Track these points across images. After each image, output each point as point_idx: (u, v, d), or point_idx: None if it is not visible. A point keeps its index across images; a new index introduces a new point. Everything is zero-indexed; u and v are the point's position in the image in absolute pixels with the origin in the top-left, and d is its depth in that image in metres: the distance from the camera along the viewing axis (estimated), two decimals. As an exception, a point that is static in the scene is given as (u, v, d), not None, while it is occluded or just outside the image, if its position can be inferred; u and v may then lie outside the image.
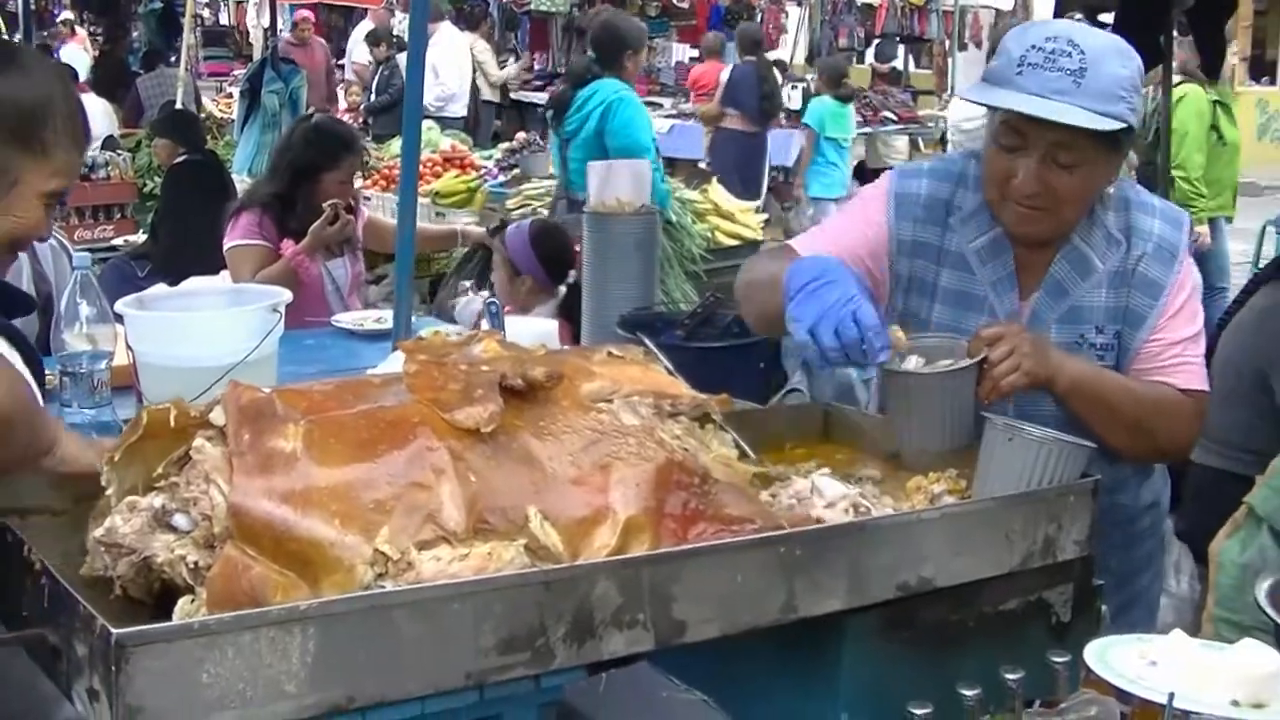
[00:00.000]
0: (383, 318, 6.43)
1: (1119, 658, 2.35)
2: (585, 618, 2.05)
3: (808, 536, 2.30)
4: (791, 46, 23.38)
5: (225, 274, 6.59)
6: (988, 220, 3.33)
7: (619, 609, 2.08)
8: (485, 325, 4.41)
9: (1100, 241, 3.31)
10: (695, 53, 22.72)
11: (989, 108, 3.23)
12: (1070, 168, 3.17)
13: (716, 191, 11.50)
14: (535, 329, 5.12)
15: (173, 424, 2.07)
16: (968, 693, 2.21)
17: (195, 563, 1.97)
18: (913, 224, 3.39)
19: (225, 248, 6.67)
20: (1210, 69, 7.62)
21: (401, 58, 18.43)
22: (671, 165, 16.30)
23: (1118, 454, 3.25)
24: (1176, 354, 3.28)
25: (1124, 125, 3.11)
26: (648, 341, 2.97)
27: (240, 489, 1.94)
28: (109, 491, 2.10)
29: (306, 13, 21.20)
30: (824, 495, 2.52)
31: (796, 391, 3.30)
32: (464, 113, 18.19)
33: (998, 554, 2.55)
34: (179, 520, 2.00)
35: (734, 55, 21.58)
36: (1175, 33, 7.15)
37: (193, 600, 1.96)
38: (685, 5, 20.46)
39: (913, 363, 2.96)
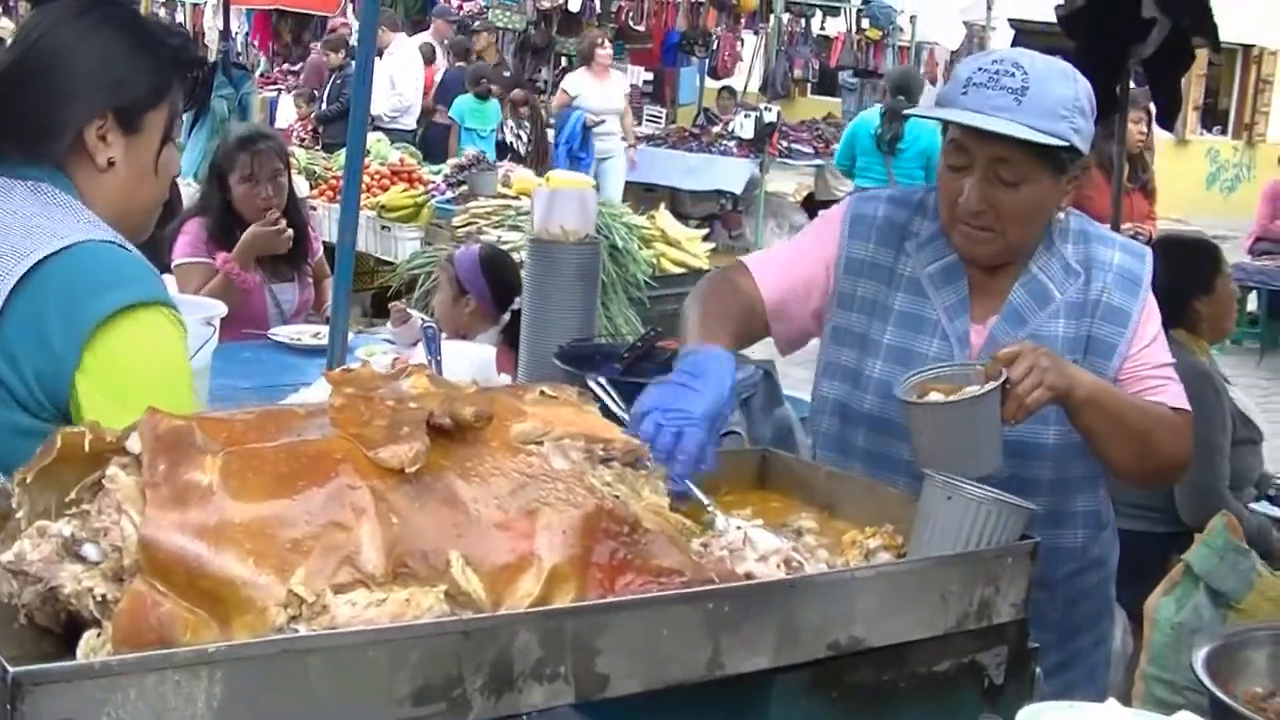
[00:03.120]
0: (321, 333, 6.39)
1: (1050, 725, 2.31)
2: (505, 669, 1.98)
3: (737, 593, 2.24)
4: (746, 75, 23.46)
5: (170, 279, 6.53)
6: (943, 247, 3.40)
7: (540, 661, 2.01)
8: (421, 349, 4.36)
9: (1059, 272, 3.37)
10: (650, 76, 22.76)
11: (940, 124, 3.35)
12: (1013, 185, 3.24)
13: (664, 218, 11.49)
14: (474, 355, 5.07)
15: (88, 448, 2.00)
16: (897, 757, 2.17)
17: (103, 596, 1.89)
18: (865, 244, 3.48)
19: (172, 264, 6.63)
20: (1165, 120, 7.63)
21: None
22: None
23: (1121, 472, 3.36)
24: (1160, 375, 3.36)
25: (1065, 144, 3.19)
26: (595, 383, 2.94)
27: (152, 521, 1.87)
28: (19, 514, 2.02)
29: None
30: (756, 548, 2.46)
31: (734, 434, 3.25)
32: (414, 126, 18.13)
33: (932, 615, 2.49)
34: (88, 550, 1.92)
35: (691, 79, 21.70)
36: (1132, 82, 7.17)
37: (99, 635, 1.89)
38: (641, 29, 20.45)
39: (934, 397, 2.98)
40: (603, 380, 3.38)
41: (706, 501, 2.66)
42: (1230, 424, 5.95)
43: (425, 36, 20.22)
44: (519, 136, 18.41)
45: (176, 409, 2.35)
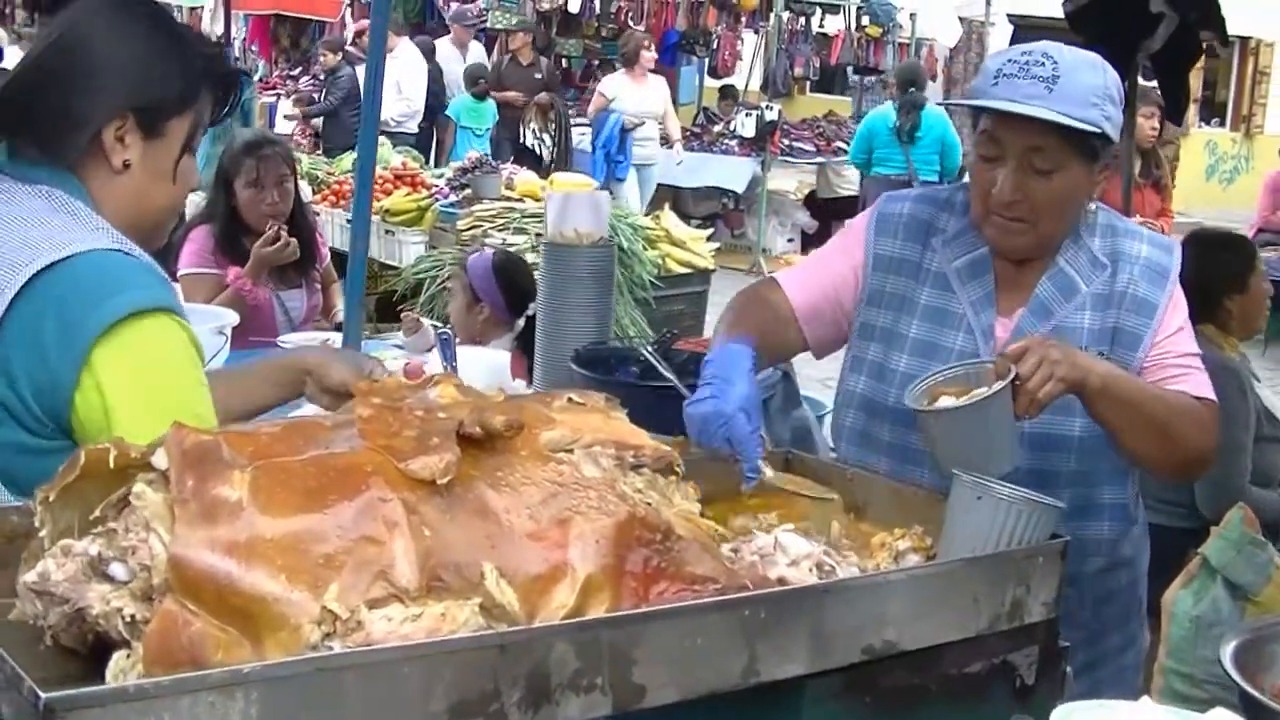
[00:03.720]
0: (330, 339, 6.35)
1: (1085, 725, 2.29)
2: (541, 682, 1.96)
3: (772, 599, 2.23)
4: (747, 74, 23.43)
5: (176, 287, 6.50)
6: (971, 242, 3.43)
7: (576, 673, 1.99)
8: (437, 355, 4.33)
9: (1085, 265, 3.38)
10: (652, 76, 22.73)
11: (971, 112, 3.40)
12: (1047, 173, 3.25)
13: (668, 218, 11.47)
14: (488, 361, 5.05)
15: (112, 464, 1.97)
16: (933, 761, 2.15)
17: (132, 616, 1.87)
18: (893, 241, 3.51)
19: (178, 273, 6.59)
20: (1174, 114, 7.62)
21: (360, 70, 18.45)
22: None
23: (1145, 464, 3.35)
24: (1185, 365, 3.34)
25: (1097, 130, 3.21)
26: (646, 350, 2.94)
27: (182, 539, 1.84)
28: (42, 533, 1.99)
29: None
30: (788, 552, 2.44)
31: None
32: (417, 130, 18.09)
33: (964, 617, 2.48)
34: (116, 569, 1.90)
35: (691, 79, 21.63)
36: (1140, 78, 7.14)
37: (128, 656, 1.86)
38: (641, 29, 20.40)
39: (944, 402, 2.96)
40: (650, 348, 3.40)
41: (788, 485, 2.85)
42: (1254, 420, 5.91)
43: (444, 42, 20.00)
44: (542, 140, 18.20)
45: (187, 419, 2.33)
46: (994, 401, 2.92)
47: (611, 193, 15.90)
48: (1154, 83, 7.62)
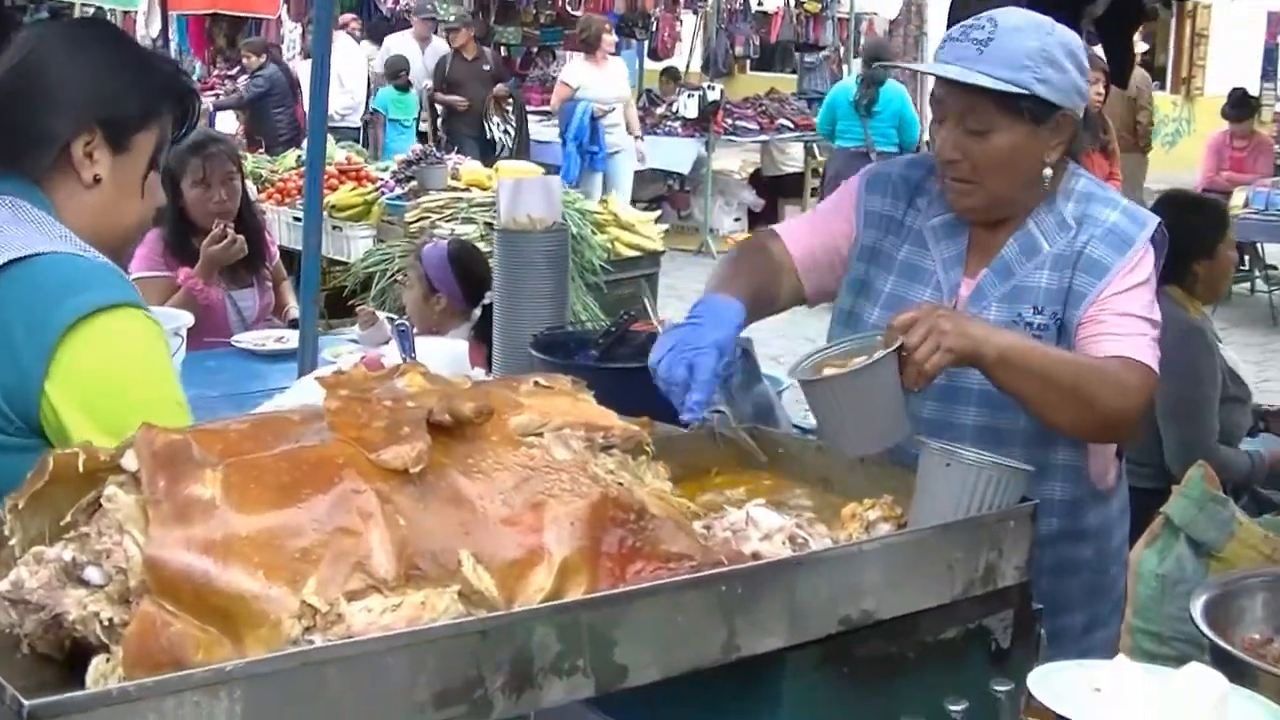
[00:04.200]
0: (284, 337, 6.35)
1: (1063, 685, 2.29)
2: (524, 666, 1.96)
3: (747, 573, 2.23)
4: (687, 55, 23.43)
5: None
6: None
7: (558, 655, 2.00)
8: (395, 347, 4.32)
9: (1052, 227, 3.41)
10: (589, 61, 22.69)
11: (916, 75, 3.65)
12: (983, 134, 3.31)
13: (616, 203, 11.47)
14: (446, 351, 5.04)
15: (81, 469, 1.96)
16: (913, 727, 2.15)
17: (110, 619, 1.85)
18: (882, 199, 3.59)
19: (129, 277, 6.55)
20: (1119, 78, 7.64)
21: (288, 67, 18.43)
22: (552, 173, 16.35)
23: (1062, 430, 3.29)
24: (1123, 324, 3.27)
25: (1024, 92, 3.24)
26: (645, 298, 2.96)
27: (157, 540, 1.83)
28: (12, 541, 1.98)
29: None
30: (760, 527, 2.44)
31: (721, 414, 3.22)
32: (359, 124, 18.05)
33: (939, 583, 2.49)
34: (91, 574, 1.88)
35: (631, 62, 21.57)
36: (1085, 41, 7.16)
37: (108, 660, 1.85)
38: (579, 14, 20.35)
39: (828, 373, 2.94)
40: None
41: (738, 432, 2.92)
42: (1220, 380, 5.96)
43: (404, 37, 19.96)
44: (506, 132, 18.15)
45: (158, 412, 2.33)
46: (877, 371, 2.89)
47: (582, 186, 15.78)
48: (1099, 47, 7.64)
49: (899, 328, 2.96)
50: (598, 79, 17.26)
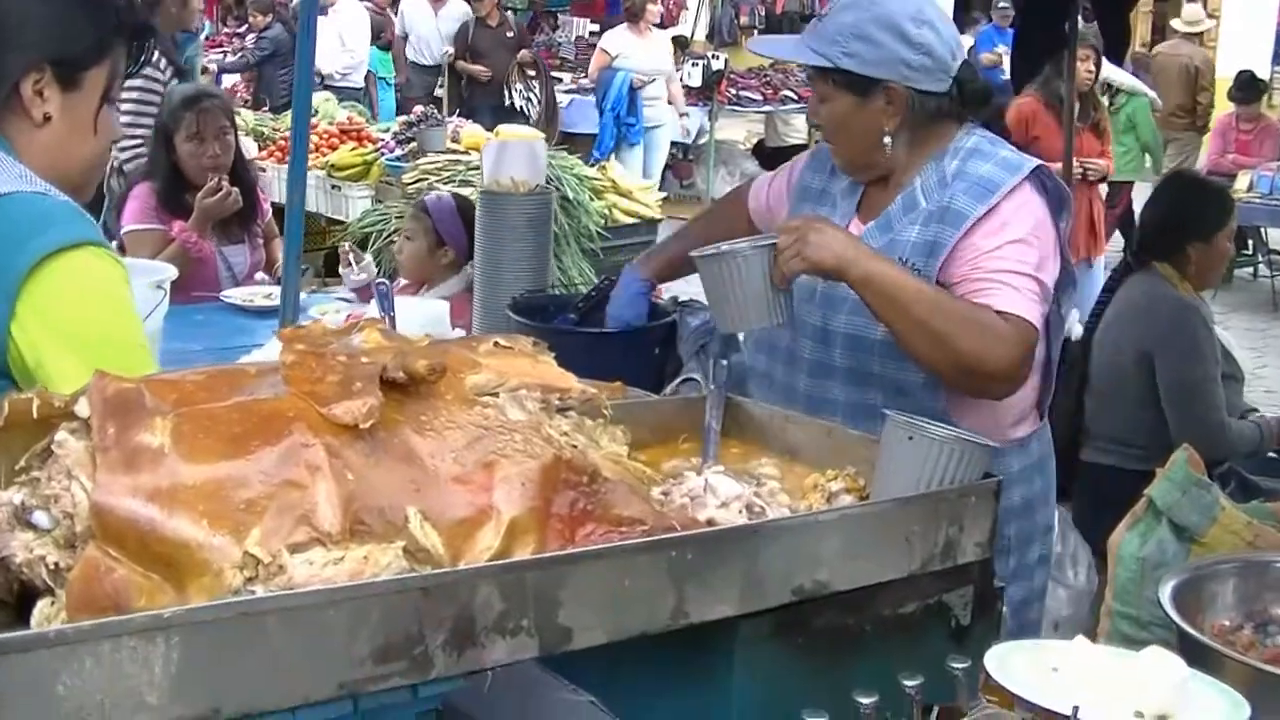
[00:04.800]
0: (273, 294, 6.34)
1: (1020, 664, 2.29)
2: (466, 625, 1.96)
3: (699, 539, 2.22)
4: (692, 24, 23.36)
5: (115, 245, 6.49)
6: None
7: (501, 615, 1.99)
8: (375, 306, 4.32)
9: (933, 185, 3.55)
10: (595, 28, 22.63)
11: None
12: (823, 102, 3.62)
13: (615, 169, 11.45)
14: (427, 310, 5.03)
15: (35, 414, 1.96)
16: (864, 700, 2.15)
17: (55, 564, 1.86)
18: (813, 173, 3.87)
19: (121, 230, 6.58)
20: (1114, 54, 7.64)
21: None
22: (571, 140, 16.15)
23: (933, 372, 3.39)
24: (997, 279, 3.35)
25: (829, 65, 3.52)
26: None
27: (103, 486, 1.84)
28: (-32, 484, 1.99)
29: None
30: (718, 494, 2.45)
31: (692, 381, 3.24)
32: (362, 84, 17.98)
33: (897, 557, 2.49)
34: (39, 518, 1.89)
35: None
36: (1080, 18, 7.16)
37: (52, 603, 1.86)
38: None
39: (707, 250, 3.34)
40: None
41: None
42: (1220, 355, 5.94)
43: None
44: (529, 100, 17.53)
45: (123, 350, 2.35)
46: (750, 259, 3.29)
47: (620, 159, 15.46)
48: (1093, 24, 7.65)
49: (781, 230, 3.34)
50: (639, 49, 16.84)
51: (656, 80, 16.88)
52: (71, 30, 2.84)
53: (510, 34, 18.18)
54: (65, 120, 2.85)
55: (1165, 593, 2.81)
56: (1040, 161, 3.54)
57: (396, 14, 19.38)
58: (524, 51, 17.93)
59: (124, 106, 8.15)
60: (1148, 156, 13.60)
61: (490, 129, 13.79)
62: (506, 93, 17.57)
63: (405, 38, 18.86)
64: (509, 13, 19.05)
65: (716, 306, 3.40)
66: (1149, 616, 3.74)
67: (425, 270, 6.47)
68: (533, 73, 17.71)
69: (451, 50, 18.08)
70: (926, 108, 3.54)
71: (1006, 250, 3.37)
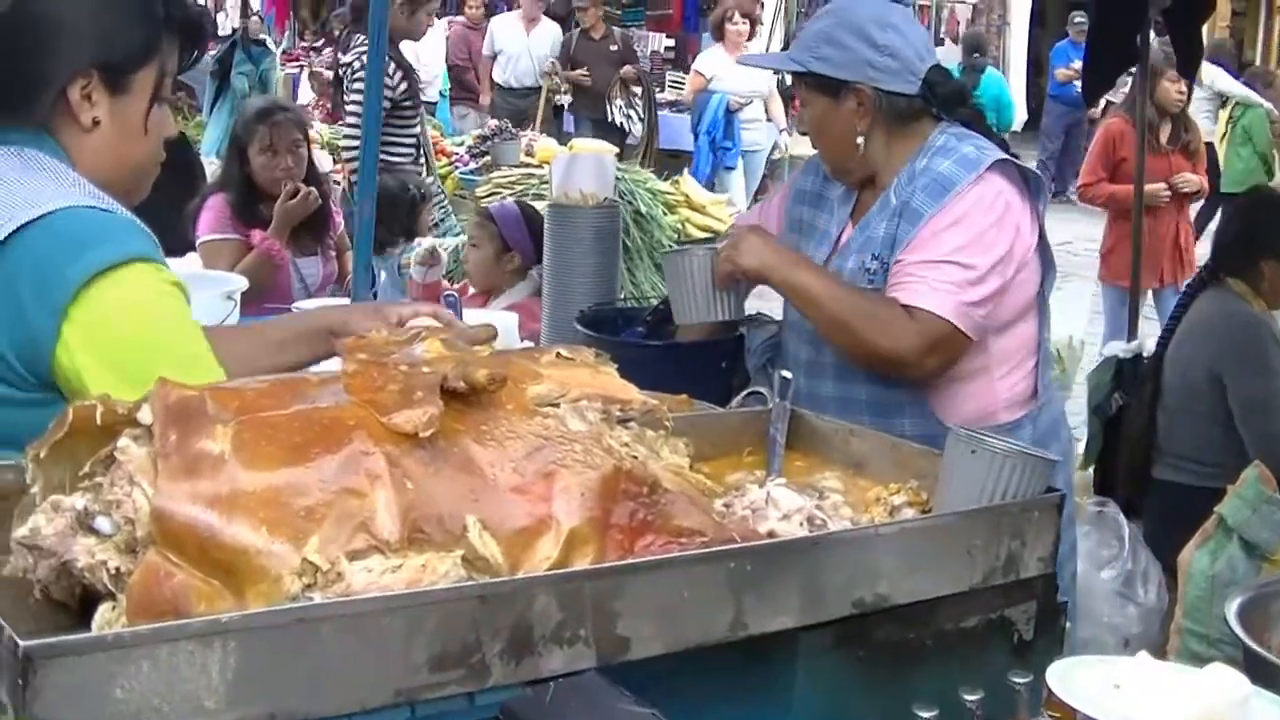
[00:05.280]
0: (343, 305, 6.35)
1: (1083, 680, 2.28)
2: (524, 633, 1.96)
3: (759, 551, 2.22)
4: (767, 39, 23.34)
5: (192, 256, 6.55)
6: None
7: (559, 625, 1.99)
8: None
9: (903, 181, 3.74)
10: (671, 42, 22.64)
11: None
12: (804, 105, 3.94)
13: (688, 183, 11.49)
14: (495, 322, 5.04)
15: (99, 421, 1.98)
16: (925, 714, 2.15)
17: (116, 568, 1.88)
18: (812, 178, 4.10)
19: (197, 241, 6.65)
20: (1186, 69, 7.59)
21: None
22: (668, 158, 16.05)
23: (846, 358, 3.73)
24: (910, 274, 3.63)
25: (802, 69, 3.81)
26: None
27: (164, 492, 1.85)
28: (34, 489, 2.01)
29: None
30: (779, 507, 2.44)
31: (757, 394, 3.23)
32: (436, 99, 18.03)
33: (958, 570, 2.47)
34: (101, 523, 1.91)
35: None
36: (1152, 32, 7.12)
37: (113, 607, 1.88)
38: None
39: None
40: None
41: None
42: None
43: (510, 18, 18.90)
44: (629, 117, 17.21)
45: (176, 364, 2.34)
46: (697, 260, 3.86)
47: (716, 184, 15.23)
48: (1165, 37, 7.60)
49: (724, 237, 3.87)
50: (734, 70, 15.89)
51: (754, 101, 16.38)
52: (117, 33, 2.82)
53: (614, 48, 17.86)
54: (115, 124, 2.84)
55: (1232, 610, 2.79)
56: (1003, 154, 3.73)
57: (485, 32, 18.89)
58: (628, 67, 17.56)
59: (348, 119, 8.48)
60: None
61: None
62: (608, 108, 17.27)
63: (493, 58, 18.35)
64: (614, 28, 18.60)
65: (673, 299, 3.94)
66: (1219, 634, 3.72)
67: (492, 277, 6.52)
68: (637, 89, 17.39)
69: (555, 60, 17.70)
70: (896, 107, 3.76)
71: (934, 241, 3.62)
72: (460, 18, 20.00)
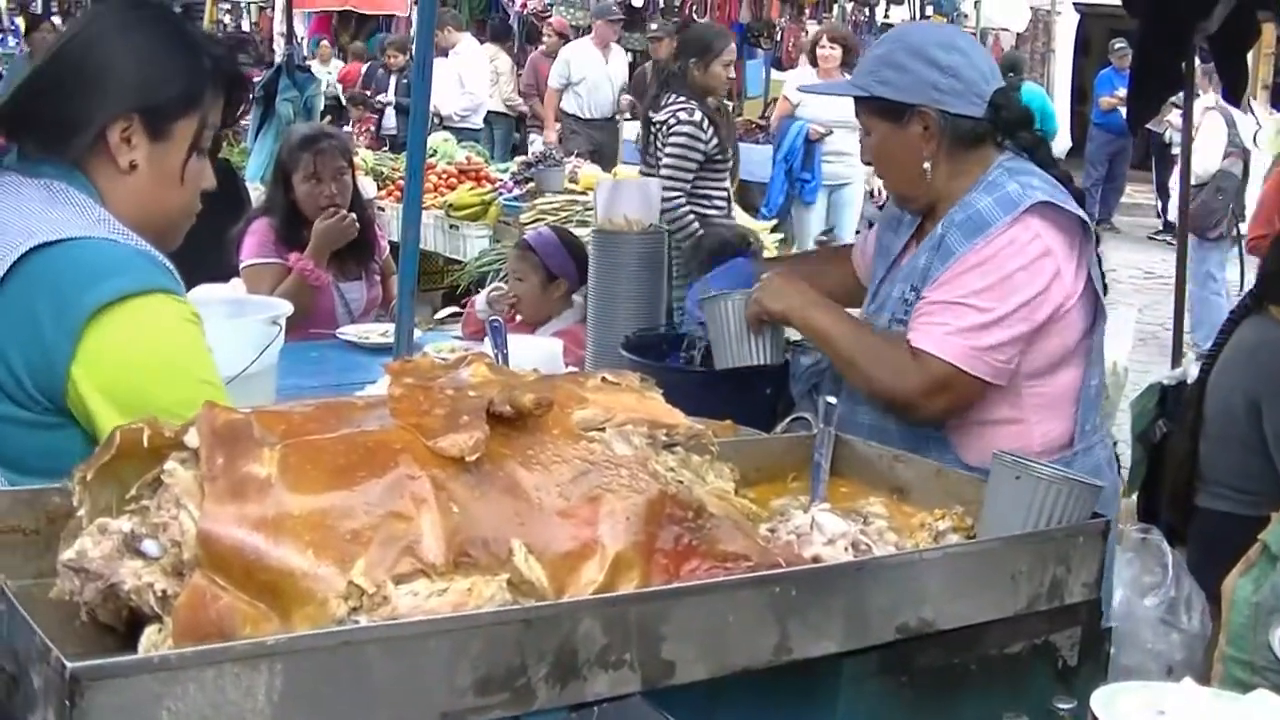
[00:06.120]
0: (388, 331, 6.39)
1: (1127, 706, 2.27)
2: (568, 657, 1.96)
3: (803, 576, 2.22)
4: (806, 67, 23.31)
5: (236, 282, 6.57)
6: None
7: (604, 649, 1.99)
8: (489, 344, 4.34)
9: (952, 215, 3.72)
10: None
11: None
12: (868, 133, 3.90)
13: (736, 211, 11.48)
14: (541, 349, 5.06)
15: (146, 444, 1.99)
16: (968, 740, 2.14)
17: (163, 591, 1.88)
18: (890, 209, 4.14)
19: (241, 265, 6.68)
20: (1232, 96, 7.57)
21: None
22: (744, 189, 15.78)
23: (862, 394, 3.73)
24: (925, 313, 3.63)
25: (865, 94, 3.79)
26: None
27: (210, 515, 1.86)
28: (80, 512, 2.02)
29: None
30: (824, 531, 2.44)
31: (802, 419, 3.23)
32: (481, 125, 18.04)
33: (1002, 596, 2.46)
34: (148, 546, 1.91)
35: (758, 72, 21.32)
36: (1198, 59, 7.10)
37: (159, 630, 1.88)
38: (704, 20, 20.24)
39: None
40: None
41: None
42: None
43: (584, 44, 18.11)
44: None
45: (181, 396, 2.36)
46: (735, 303, 3.92)
47: (794, 219, 14.38)
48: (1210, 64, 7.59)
49: (759, 281, 3.92)
50: (824, 96, 14.48)
51: (836, 132, 14.29)
52: (161, 80, 2.86)
53: None
54: (152, 169, 2.86)
55: (1275, 637, 2.78)
56: (1045, 198, 3.63)
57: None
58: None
59: (662, 172, 8.90)
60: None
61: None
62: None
63: (563, 88, 17.74)
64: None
65: (714, 343, 3.99)
66: (1263, 661, 3.70)
67: (542, 307, 6.56)
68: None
69: (630, 97, 17.12)
70: (961, 130, 3.72)
71: (956, 282, 3.61)
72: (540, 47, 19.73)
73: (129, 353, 2.67)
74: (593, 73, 17.58)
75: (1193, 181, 11.95)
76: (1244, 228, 12.62)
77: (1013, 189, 3.64)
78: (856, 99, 3.86)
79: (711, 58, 9.72)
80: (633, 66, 20.52)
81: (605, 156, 16.22)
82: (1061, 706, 2.26)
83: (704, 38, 10.01)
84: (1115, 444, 4.05)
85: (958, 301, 3.56)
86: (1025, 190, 3.64)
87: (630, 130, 16.81)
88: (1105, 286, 3.83)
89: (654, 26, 17.77)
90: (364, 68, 19.61)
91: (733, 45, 10.21)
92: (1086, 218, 3.70)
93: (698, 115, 9.10)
